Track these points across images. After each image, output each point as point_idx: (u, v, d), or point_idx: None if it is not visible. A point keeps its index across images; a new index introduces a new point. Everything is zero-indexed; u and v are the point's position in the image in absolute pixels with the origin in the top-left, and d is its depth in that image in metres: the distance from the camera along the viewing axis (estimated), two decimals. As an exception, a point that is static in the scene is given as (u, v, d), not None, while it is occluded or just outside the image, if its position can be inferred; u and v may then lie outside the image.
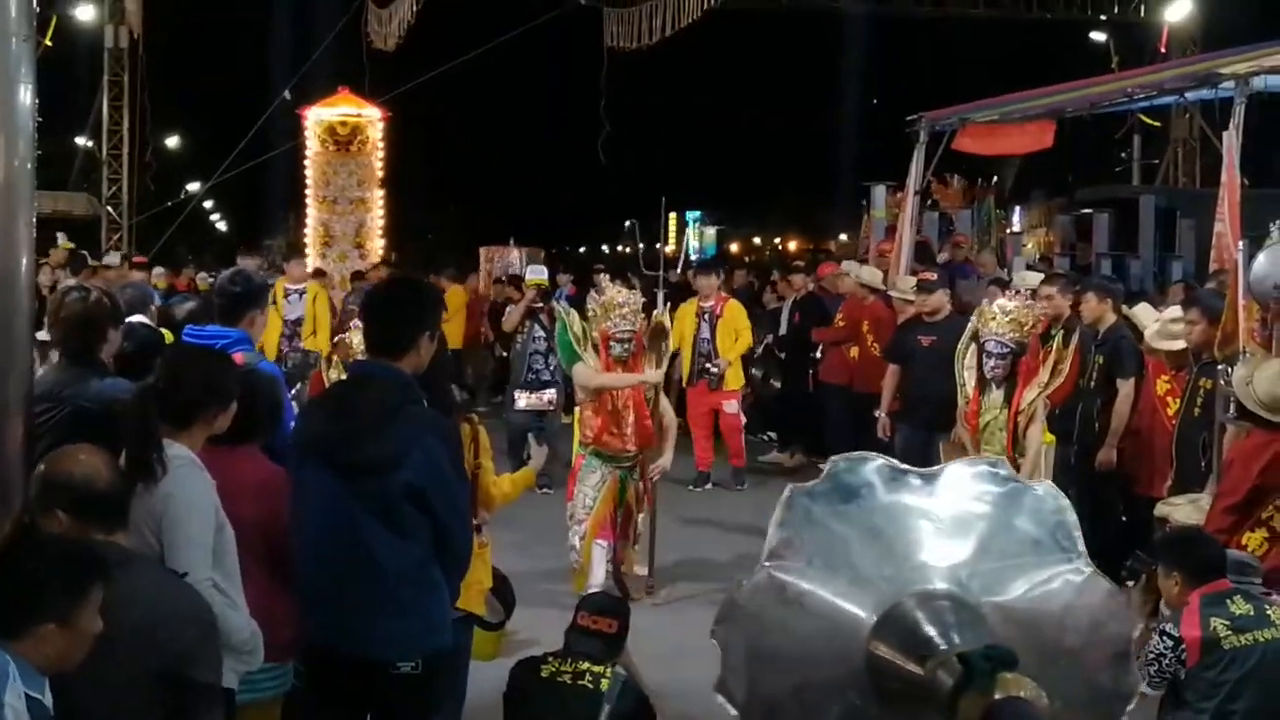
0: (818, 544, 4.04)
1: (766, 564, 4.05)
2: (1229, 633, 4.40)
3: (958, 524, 4.02)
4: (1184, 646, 4.43)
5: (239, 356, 4.96)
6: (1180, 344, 7.42)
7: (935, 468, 4.29)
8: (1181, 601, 4.56)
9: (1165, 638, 4.48)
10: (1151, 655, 4.50)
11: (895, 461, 4.27)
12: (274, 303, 10.68)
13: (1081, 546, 4.05)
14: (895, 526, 4.04)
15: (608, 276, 13.79)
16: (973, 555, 3.94)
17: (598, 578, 7.67)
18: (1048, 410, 7.26)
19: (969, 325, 7.44)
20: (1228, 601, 4.48)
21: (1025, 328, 7.14)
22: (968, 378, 7.30)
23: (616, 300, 7.73)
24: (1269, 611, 4.50)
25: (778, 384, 12.98)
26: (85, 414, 4.25)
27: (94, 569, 2.98)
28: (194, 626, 3.23)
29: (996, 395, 7.16)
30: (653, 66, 19.86)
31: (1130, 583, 4.95)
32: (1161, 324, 7.68)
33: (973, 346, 7.28)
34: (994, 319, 7.17)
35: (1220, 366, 6.55)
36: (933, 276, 9.77)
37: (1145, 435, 7.56)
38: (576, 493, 7.77)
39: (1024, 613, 3.87)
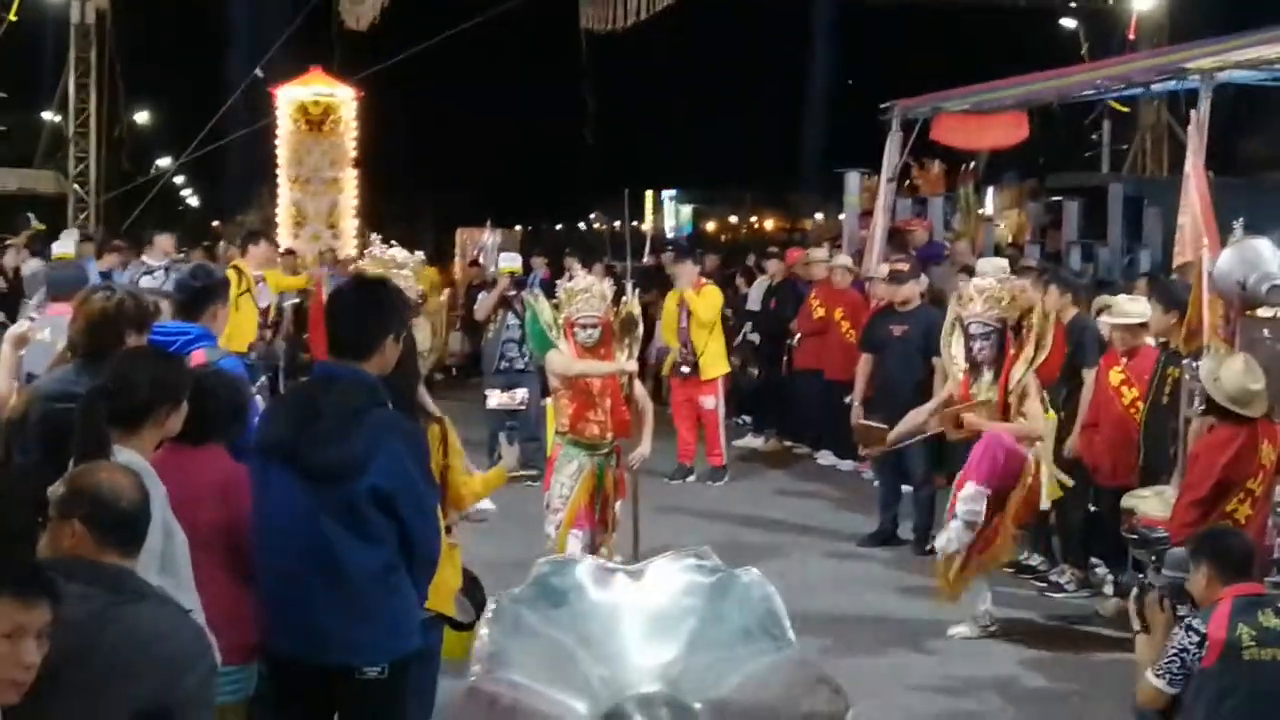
0: (528, 652, 3.80)
1: (473, 677, 3.79)
2: (1252, 644, 4.36)
3: (669, 621, 3.85)
4: (1208, 644, 4.39)
5: (201, 353, 4.90)
6: (1131, 320, 7.52)
7: (642, 564, 4.10)
8: (1212, 597, 4.52)
9: (1191, 632, 4.45)
10: (1174, 650, 4.47)
11: (603, 560, 4.11)
12: (248, 291, 10.32)
13: (790, 633, 3.85)
14: (607, 628, 3.83)
15: (579, 264, 13.69)
16: (684, 652, 3.76)
17: (571, 567, 7.65)
18: (1041, 386, 7.21)
19: (950, 311, 7.45)
20: (1259, 612, 4.44)
21: (1004, 303, 7.15)
22: (958, 361, 7.29)
23: (580, 286, 7.72)
24: None
25: (755, 371, 12.89)
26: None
27: (5, 578, 2.68)
28: (194, 673, 3.03)
29: (987, 377, 7.18)
30: (627, 46, 19.76)
31: (1133, 592, 4.93)
32: (1118, 303, 7.79)
33: (958, 332, 7.30)
34: (972, 300, 7.20)
35: (1185, 361, 6.60)
36: (905, 267, 9.76)
37: (1102, 427, 7.61)
38: (553, 482, 7.74)
39: (738, 707, 3.65)
